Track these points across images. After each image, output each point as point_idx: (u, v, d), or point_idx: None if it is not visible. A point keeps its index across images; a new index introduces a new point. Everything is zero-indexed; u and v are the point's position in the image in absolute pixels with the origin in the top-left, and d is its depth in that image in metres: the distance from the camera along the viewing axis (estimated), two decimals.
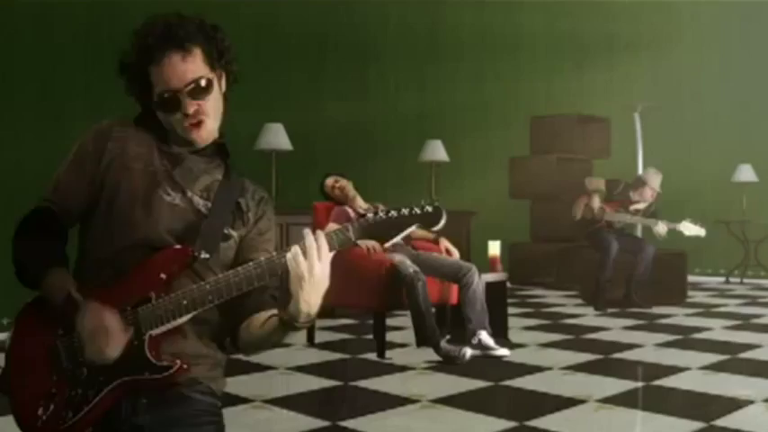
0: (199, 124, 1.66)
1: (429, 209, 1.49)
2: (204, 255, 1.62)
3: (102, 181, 1.67)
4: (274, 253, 1.54)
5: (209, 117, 1.67)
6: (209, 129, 1.69)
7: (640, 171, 8.43)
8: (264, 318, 1.67)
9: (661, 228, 6.84)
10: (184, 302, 1.55)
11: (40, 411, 1.56)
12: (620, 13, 10.25)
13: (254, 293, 1.62)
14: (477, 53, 9.10)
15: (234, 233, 1.71)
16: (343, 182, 5.19)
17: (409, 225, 1.50)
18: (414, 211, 1.49)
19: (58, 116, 5.63)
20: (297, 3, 7.36)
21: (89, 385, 1.56)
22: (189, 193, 1.69)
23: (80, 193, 1.68)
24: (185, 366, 1.57)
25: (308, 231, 1.51)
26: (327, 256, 1.50)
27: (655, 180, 7.06)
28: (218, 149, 1.77)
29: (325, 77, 7.61)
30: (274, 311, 1.66)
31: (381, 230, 1.50)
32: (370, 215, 1.51)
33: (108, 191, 1.66)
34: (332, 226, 5.04)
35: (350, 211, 5.02)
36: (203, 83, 1.64)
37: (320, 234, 1.50)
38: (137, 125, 1.73)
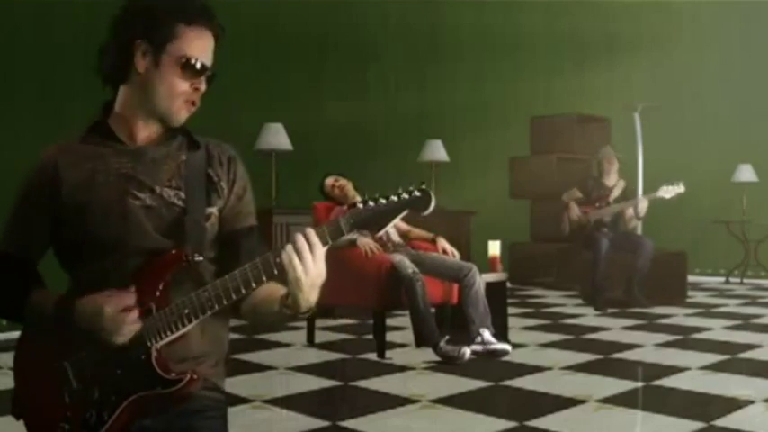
0: (193, 106, 1.66)
1: (417, 193, 1.44)
2: (198, 258, 1.61)
3: (66, 211, 1.62)
4: (269, 253, 1.51)
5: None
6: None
7: (640, 171, 8.44)
8: (263, 294, 1.63)
9: (642, 203, 6.90)
10: (186, 311, 1.53)
11: None
12: (620, 13, 10.25)
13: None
14: (477, 53, 9.10)
15: (213, 209, 1.68)
16: (343, 181, 5.20)
17: (399, 212, 1.45)
18: (402, 197, 1.45)
19: (58, 116, 5.63)
20: (297, 3, 7.36)
21: (103, 406, 1.54)
22: (158, 189, 1.64)
23: (39, 231, 1.66)
24: (195, 377, 1.56)
25: (298, 233, 1.49)
26: (321, 252, 1.48)
27: (605, 151, 7.26)
28: (175, 131, 1.72)
29: (325, 77, 7.61)
30: (274, 289, 1.63)
31: (372, 220, 1.46)
32: (360, 205, 1.46)
33: (77, 217, 1.62)
34: None
35: None
36: (213, 75, 1.68)
37: (310, 231, 1.47)
38: (87, 132, 1.68)
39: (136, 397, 1.54)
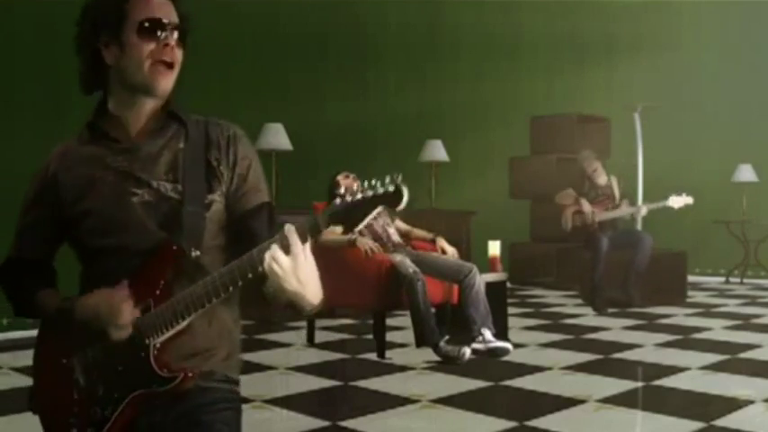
0: (170, 67, 1.61)
1: (390, 188, 1.42)
2: (195, 252, 1.59)
3: (69, 216, 1.66)
4: (254, 250, 1.46)
5: (176, 68, 1.63)
6: (170, 83, 1.63)
7: (641, 171, 8.44)
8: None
9: (643, 210, 6.96)
10: (180, 308, 1.53)
11: None
12: (620, 13, 10.25)
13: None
14: (477, 53, 9.10)
15: (215, 196, 1.65)
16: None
17: (373, 208, 1.43)
18: (377, 193, 1.43)
19: (58, 116, 5.63)
20: (297, 3, 7.36)
21: (106, 403, 1.56)
22: (155, 184, 1.63)
23: (46, 235, 1.72)
24: (190, 375, 1.56)
25: (280, 233, 1.45)
26: (299, 249, 1.42)
27: (582, 156, 7.30)
28: (170, 116, 1.69)
29: (325, 77, 7.60)
30: None
31: (347, 214, 1.43)
32: (337, 200, 1.44)
33: (80, 222, 1.65)
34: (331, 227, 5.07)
35: None
36: (187, 30, 1.64)
37: (290, 229, 1.43)
38: (84, 133, 1.70)
39: (137, 394, 1.55)
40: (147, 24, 1.59)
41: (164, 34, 1.60)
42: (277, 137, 6.57)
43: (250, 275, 1.47)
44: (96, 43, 1.63)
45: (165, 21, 1.60)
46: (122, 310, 1.52)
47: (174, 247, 1.57)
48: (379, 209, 1.44)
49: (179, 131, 1.69)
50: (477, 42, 9.09)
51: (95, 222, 1.63)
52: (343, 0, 7.72)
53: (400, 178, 1.45)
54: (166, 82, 1.62)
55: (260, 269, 1.46)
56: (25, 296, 1.71)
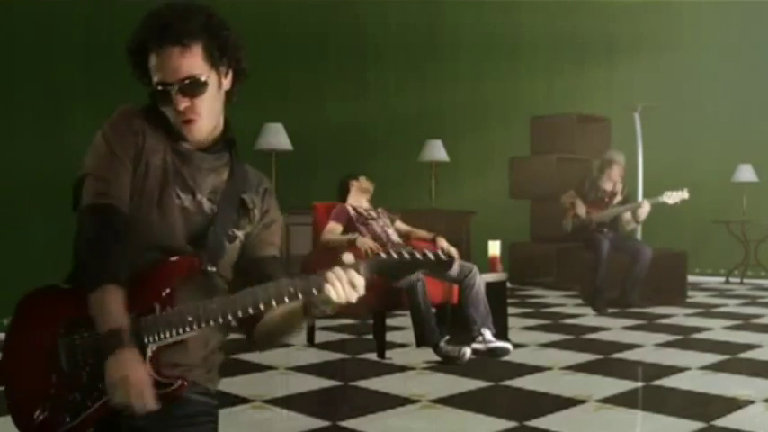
0: (189, 122, 1.63)
1: (443, 257, 1.51)
2: (211, 268, 1.63)
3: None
4: (285, 281, 1.53)
5: (202, 117, 1.64)
6: (202, 129, 1.66)
7: (641, 171, 8.44)
8: (277, 319, 1.68)
9: (645, 206, 6.76)
10: (189, 319, 1.54)
11: (37, 412, 1.54)
12: (620, 13, 10.25)
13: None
14: (477, 53, 9.10)
15: (239, 233, 1.71)
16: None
17: (421, 269, 1.51)
18: (427, 257, 1.50)
19: (58, 116, 5.63)
20: (297, 3, 7.36)
21: (89, 391, 1.54)
22: (198, 196, 1.67)
23: (127, 185, 1.62)
24: (185, 384, 1.57)
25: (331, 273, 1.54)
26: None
27: (616, 155, 7.11)
28: (227, 144, 1.75)
29: (325, 77, 7.61)
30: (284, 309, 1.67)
31: (393, 270, 1.53)
32: (383, 255, 1.53)
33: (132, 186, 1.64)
34: (332, 225, 5.07)
35: (350, 209, 5.03)
36: (199, 80, 1.61)
37: (349, 259, 1.55)
38: (147, 118, 1.68)
39: None
40: (158, 90, 1.61)
41: (174, 100, 1.60)
42: (277, 137, 6.57)
43: (286, 299, 1.53)
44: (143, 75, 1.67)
45: (169, 83, 1.59)
46: (147, 398, 1.49)
47: (195, 259, 1.60)
48: (423, 271, 1.54)
49: (227, 164, 1.74)
50: (477, 42, 9.09)
51: (138, 201, 1.63)
52: (343, 0, 7.72)
53: (455, 254, 1.55)
54: (193, 133, 1.66)
55: (318, 291, 1.53)
56: (100, 272, 1.53)
